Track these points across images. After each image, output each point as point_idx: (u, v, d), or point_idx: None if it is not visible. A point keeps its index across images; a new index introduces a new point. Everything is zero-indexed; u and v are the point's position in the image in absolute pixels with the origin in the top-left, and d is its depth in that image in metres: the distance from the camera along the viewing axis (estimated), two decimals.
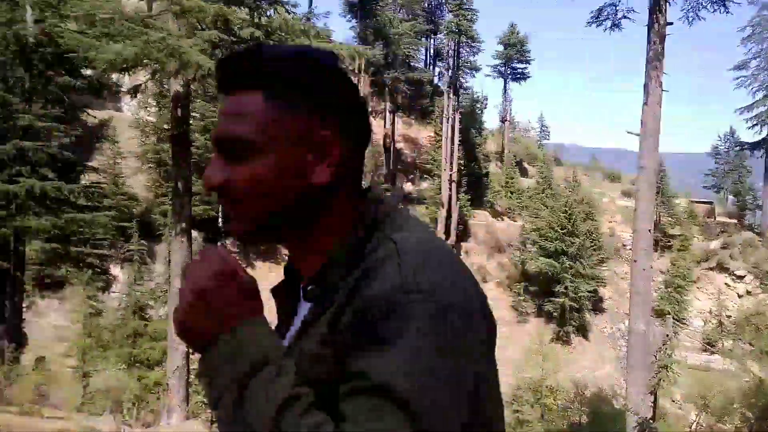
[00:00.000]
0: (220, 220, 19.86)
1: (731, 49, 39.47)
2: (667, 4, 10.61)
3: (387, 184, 29.54)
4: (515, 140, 41.08)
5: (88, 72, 15.36)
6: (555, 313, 24.82)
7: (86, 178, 18.00)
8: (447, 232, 26.42)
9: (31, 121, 14.62)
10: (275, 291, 0.88)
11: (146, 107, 23.11)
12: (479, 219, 29.88)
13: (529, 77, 39.51)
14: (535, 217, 28.10)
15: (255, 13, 11.03)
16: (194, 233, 13.04)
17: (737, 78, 34.27)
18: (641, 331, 10.46)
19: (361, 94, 0.83)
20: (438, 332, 0.64)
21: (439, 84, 38.14)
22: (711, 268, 28.58)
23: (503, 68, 38.91)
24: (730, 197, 40.58)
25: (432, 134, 31.92)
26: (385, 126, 31.45)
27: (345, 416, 0.63)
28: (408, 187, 32.73)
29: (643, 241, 10.66)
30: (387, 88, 31.43)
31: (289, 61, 0.77)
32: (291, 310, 0.84)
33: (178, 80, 10.67)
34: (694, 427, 16.25)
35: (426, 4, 38.77)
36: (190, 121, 13.23)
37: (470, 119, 33.34)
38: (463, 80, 33.07)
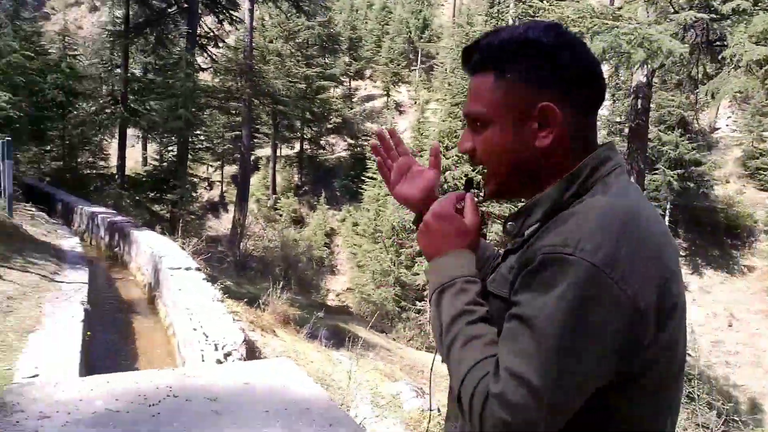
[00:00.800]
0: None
1: None
2: None
3: None
4: None
5: None
6: None
7: None
8: None
9: None
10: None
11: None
12: None
13: None
14: None
15: None
16: None
17: None
18: None
19: (593, 62, 0.89)
20: (584, 292, 0.74)
21: None
22: None
23: None
24: None
25: None
26: None
27: (502, 335, 0.81)
28: None
29: None
30: None
31: (513, 43, 0.88)
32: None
33: (643, 70, 10.16)
34: None
35: None
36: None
37: None
38: None
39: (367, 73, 41.25)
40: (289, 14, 26.34)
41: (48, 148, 20.72)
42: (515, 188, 0.94)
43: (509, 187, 0.94)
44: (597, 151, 0.89)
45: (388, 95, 37.48)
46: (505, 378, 0.76)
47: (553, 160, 0.89)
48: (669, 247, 0.83)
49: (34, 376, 3.79)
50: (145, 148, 32.29)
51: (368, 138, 33.42)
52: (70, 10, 46.88)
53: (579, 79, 0.88)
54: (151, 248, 8.22)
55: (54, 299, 5.72)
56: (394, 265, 20.97)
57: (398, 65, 38.38)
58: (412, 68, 39.77)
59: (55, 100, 18.85)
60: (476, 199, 1.02)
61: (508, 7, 16.45)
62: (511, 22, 16.32)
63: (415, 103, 35.31)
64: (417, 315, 18.03)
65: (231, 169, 33.47)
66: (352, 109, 37.43)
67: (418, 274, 18.96)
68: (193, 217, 20.76)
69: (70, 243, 8.96)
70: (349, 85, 40.24)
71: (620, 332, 0.75)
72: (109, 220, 10.35)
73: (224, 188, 33.59)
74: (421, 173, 1.11)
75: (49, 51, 22.24)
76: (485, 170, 0.96)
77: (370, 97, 39.73)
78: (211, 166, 32.80)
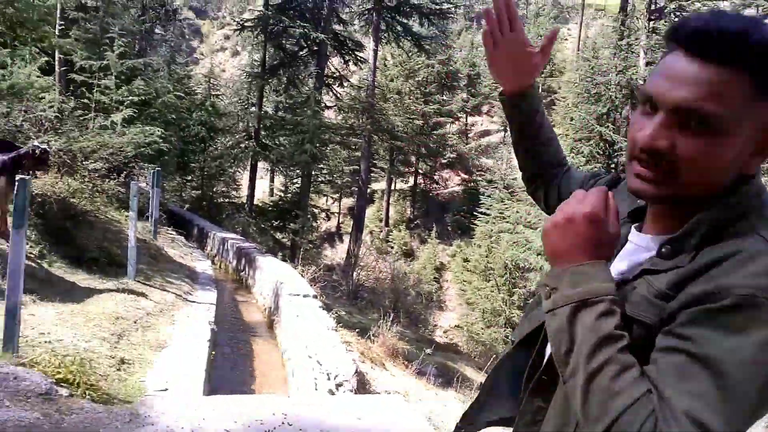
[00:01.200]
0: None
1: None
2: None
3: None
4: None
5: None
6: None
7: None
8: None
9: None
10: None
11: None
12: None
13: None
14: None
15: None
16: None
17: None
18: None
19: None
20: None
21: None
22: None
23: None
24: None
25: None
26: None
27: (655, 366, 0.73)
28: None
29: None
30: None
31: (750, 36, 0.73)
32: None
33: None
34: None
35: None
36: None
37: None
38: None
39: (485, 108, 41.16)
40: (410, 53, 27.16)
41: (189, 178, 22.98)
42: (689, 204, 0.82)
43: (684, 199, 0.82)
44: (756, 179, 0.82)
45: (505, 130, 37.02)
46: (680, 419, 0.68)
47: (740, 183, 0.80)
48: None
49: (164, 390, 4.04)
50: (272, 180, 34.67)
51: (483, 173, 33.22)
52: (215, 55, 52.55)
53: None
54: (273, 274, 8.63)
55: (186, 317, 6.15)
56: (506, 305, 20.24)
57: None
58: None
59: (198, 135, 20.91)
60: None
61: (638, 39, 15.57)
62: (642, 55, 15.41)
63: None
64: None
65: (348, 201, 34.77)
66: (467, 144, 37.45)
67: None
68: (311, 245, 21.71)
69: (202, 266, 9.71)
70: (465, 120, 40.37)
71: None
72: (237, 245, 11.10)
73: (341, 219, 34.90)
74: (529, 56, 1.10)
75: (196, 91, 24.89)
76: (658, 173, 0.80)
77: (486, 133, 39.52)
78: (331, 197, 34.38)
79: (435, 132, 32.76)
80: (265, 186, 35.41)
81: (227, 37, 55.54)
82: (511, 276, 20.73)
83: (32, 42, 8.20)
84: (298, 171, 25.10)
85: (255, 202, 24.25)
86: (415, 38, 21.22)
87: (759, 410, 0.70)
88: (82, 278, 6.43)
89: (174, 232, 12.08)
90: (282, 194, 24.67)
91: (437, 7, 20.95)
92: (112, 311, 5.38)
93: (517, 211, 28.32)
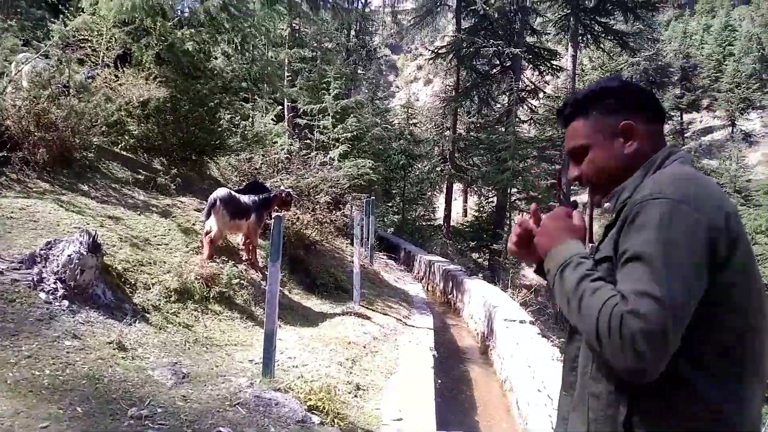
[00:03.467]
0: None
1: None
2: None
3: None
4: None
5: None
6: None
7: None
8: None
9: None
10: None
11: None
12: None
13: None
14: None
15: None
16: None
17: None
18: None
19: (648, 92, 1.36)
20: (671, 219, 1.06)
21: None
22: None
23: None
24: None
25: None
26: None
27: (619, 279, 1.10)
28: None
29: None
30: None
31: (591, 93, 1.35)
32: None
33: None
34: None
35: None
36: None
37: None
38: None
39: (704, 103, 35.92)
40: (611, 54, 25.05)
41: (390, 204, 24.24)
42: (612, 186, 1.31)
43: (609, 187, 1.31)
44: (665, 148, 1.30)
45: (733, 125, 31.78)
46: (632, 298, 1.02)
47: (639, 160, 1.28)
48: (728, 200, 1.14)
49: (398, 420, 4.09)
50: (465, 201, 34.83)
51: (707, 174, 28.80)
52: (410, 86, 55.45)
53: (643, 103, 1.31)
54: (483, 297, 8.45)
55: (408, 342, 6.28)
56: None
57: (747, 89, 32.26)
58: (766, 91, 32.83)
59: (399, 164, 21.97)
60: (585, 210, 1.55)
61: None
62: None
63: None
64: None
65: None
66: (683, 144, 32.95)
67: None
68: (507, 264, 21.10)
69: (415, 289, 10.00)
70: (680, 118, 35.67)
71: (705, 245, 1.05)
72: (444, 268, 11.22)
73: None
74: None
75: (394, 123, 26.34)
76: (590, 186, 1.36)
77: (707, 130, 34.37)
78: (527, 212, 33.08)
79: None
80: (459, 207, 35.73)
81: (420, 68, 58.21)
82: None
83: (267, 94, 9.48)
84: (491, 190, 24.77)
85: (451, 223, 24.53)
86: (617, 37, 19.52)
87: (683, 268, 1.04)
88: (315, 303, 7.04)
89: (385, 256, 12.71)
90: (477, 214, 24.53)
91: None
92: (343, 336, 5.73)
93: (755, 219, 23.89)
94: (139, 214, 5.99)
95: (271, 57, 9.07)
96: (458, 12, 22.31)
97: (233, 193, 6.43)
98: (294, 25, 13.73)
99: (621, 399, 1.10)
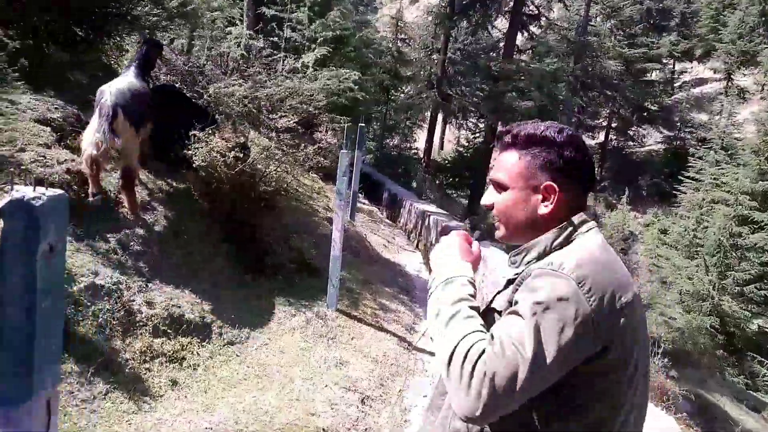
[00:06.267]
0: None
1: None
2: None
3: None
4: None
5: None
6: None
7: None
8: None
9: None
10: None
11: None
12: None
13: None
14: None
15: None
16: None
17: None
18: None
19: (588, 158, 1.18)
20: (556, 295, 0.99)
21: None
22: None
23: None
24: None
25: None
26: None
27: (498, 323, 1.04)
28: None
29: None
30: None
31: (535, 135, 1.16)
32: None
33: None
34: None
35: None
36: None
37: None
38: None
39: (698, 53, 32.79)
40: None
41: (367, 130, 20.65)
42: (520, 237, 1.18)
43: (516, 236, 1.19)
44: (580, 214, 1.16)
45: (729, 79, 28.96)
46: (499, 342, 0.97)
47: (550, 223, 1.15)
48: (629, 287, 1.08)
49: None
50: (443, 133, 31.50)
51: (692, 130, 26.86)
52: (393, 4, 49.56)
53: (577, 169, 1.15)
54: (504, 277, 5.57)
55: (421, 408, 3.25)
56: (715, 290, 15.27)
57: (749, 42, 29.16)
58: (764, 46, 29.88)
59: (383, 84, 18.29)
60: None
61: None
62: None
63: (762, 89, 27.19)
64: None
65: None
66: (673, 95, 30.17)
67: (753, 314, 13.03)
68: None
69: (413, 263, 6.75)
70: (673, 67, 32.59)
71: (573, 342, 0.97)
72: (443, 224, 8.14)
73: None
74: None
75: (375, 39, 22.14)
76: (498, 221, 1.22)
77: (700, 82, 31.50)
78: None
79: (642, 79, 26.46)
80: (436, 139, 32.35)
81: None
82: (726, 256, 15.53)
83: None
84: (479, 124, 21.77)
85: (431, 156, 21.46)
86: None
87: (557, 337, 0.96)
88: (257, 304, 3.85)
89: (366, 201, 9.47)
90: (463, 149, 21.42)
91: None
92: (303, 414, 2.62)
93: (737, 179, 21.66)
94: None
95: None
96: None
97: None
98: None
99: None
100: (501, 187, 1.19)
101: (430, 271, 1.24)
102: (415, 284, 5.68)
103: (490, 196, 1.22)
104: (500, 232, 1.22)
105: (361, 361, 3.57)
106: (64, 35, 4.36)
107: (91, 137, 3.31)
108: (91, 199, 3.40)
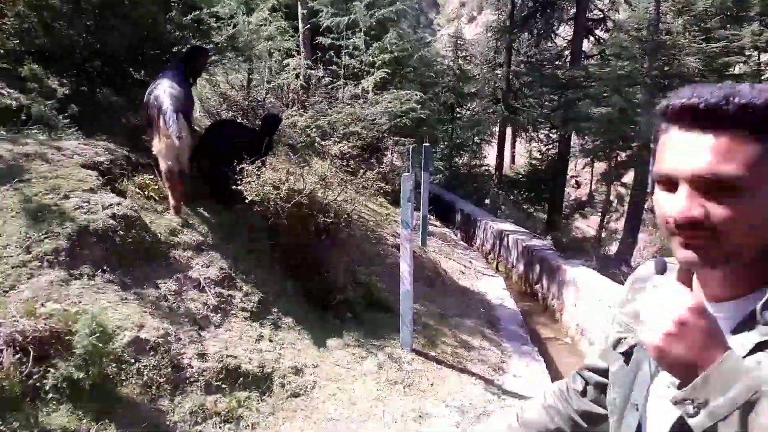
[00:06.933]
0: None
1: None
2: None
3: None
4: None
5: None
6: None
7: None
8: None
9: None
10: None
11: None
12: None
13: None
14: None
15: None
16: None
17: None
18: None
19: None
20: None
21: None
22: None
23: None
24: None
25: None
26: None
27: None
28: None
29: None
30: None
31: None
32: None
33: None
34: None
35: None
36: None
37: None
38: None
39: None
40: None
41: (434, 150, 20.19)
42: (748, 269, 0.74)
43: (739, 260, 0.72)
44: None
45: None
46: None
47: None
48: None
49: None
50: (513, 147, 30.41)
51: None
52: (451, 24, 49.29)
53: None
54: (595, 296, 4.79)
55: None
56: None
57: None
58: None
59: (447, 103, 17.85)
60: None
61: None
62: None
63: None
64: None
65: (601, 166, 28.56)
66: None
67: None
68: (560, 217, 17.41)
69: (492, 286, 6.06)
70: (758, 59, 29.65)
71: None
72: (524, 244, 7.40)
73: (593, 187, 29.00)
74: None
75: (437, 60, 21.82)
76: (701, 240, 0.71)
77: None
78: (582, 162, 28.67)
79: (728, 73, 24.09)
80: (506, 154, 31.25)
81: (463, 4, 51.91)
82: None
83: None
84: (552, 136, 20.72)
85: (503, 171, 20.58)
86: None
87: None
88: (321, 352, 3.40)
89: (437, 223, 8.93)
90: (536, 162, 20.41)
91: None
92: None
93: None
94: None
95: None
96: None
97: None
98: None
99: None
100: (729, 190, 0.69)
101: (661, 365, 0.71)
102: (498, 315, 5.00)
103: (693, 204, 0.71)
104: (712, 254, 0.72)
105: (443, 412, 3.01)
106: (119, 78, 4.28)
107: (163, 148, 3.47)
108: (172, 213, 3.49)
